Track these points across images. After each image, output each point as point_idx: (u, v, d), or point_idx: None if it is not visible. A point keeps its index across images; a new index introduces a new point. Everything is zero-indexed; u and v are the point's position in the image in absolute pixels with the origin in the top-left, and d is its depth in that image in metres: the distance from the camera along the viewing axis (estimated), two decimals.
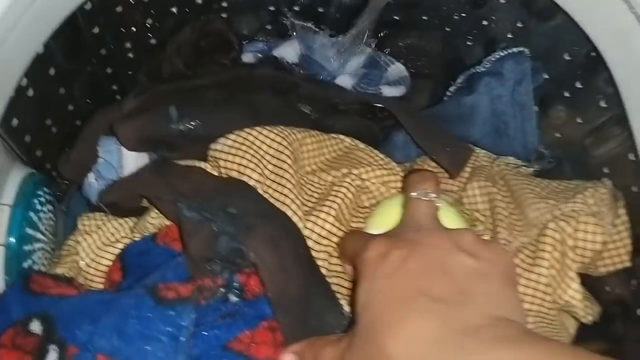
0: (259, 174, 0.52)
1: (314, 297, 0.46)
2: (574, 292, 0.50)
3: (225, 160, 0.53)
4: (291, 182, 0.52)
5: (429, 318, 0.32)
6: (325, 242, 0.50)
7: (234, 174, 0.52)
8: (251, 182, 0.52)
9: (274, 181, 0.52)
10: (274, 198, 0.52)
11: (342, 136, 0.59)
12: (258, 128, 0.54)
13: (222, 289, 0.42)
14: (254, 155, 0.52)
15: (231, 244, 0.45)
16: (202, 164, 0.54)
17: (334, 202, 0.52)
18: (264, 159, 0.52)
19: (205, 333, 0.41)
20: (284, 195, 0.52)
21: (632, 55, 0.46)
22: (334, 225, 0.51)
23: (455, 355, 0.30)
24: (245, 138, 0.53)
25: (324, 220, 0.51)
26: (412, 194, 0.43)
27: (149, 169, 0.56)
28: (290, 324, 0.42)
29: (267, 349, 0.41)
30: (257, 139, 0.53)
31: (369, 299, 0.36)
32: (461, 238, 0.37)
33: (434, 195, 0.42)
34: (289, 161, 0.53)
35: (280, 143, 0.53)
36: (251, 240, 0.45)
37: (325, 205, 0.51)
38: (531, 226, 0.54)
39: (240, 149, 0.53)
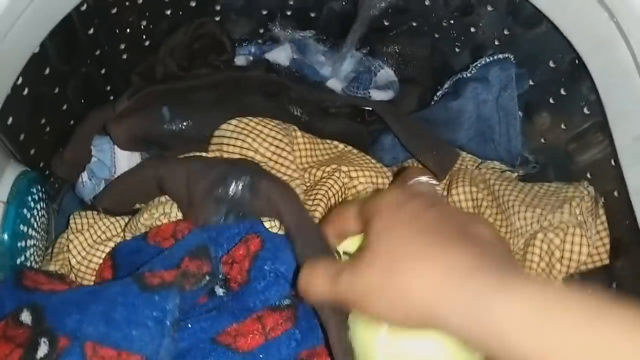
0: (261, 155, 0.54)
1: None
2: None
3: (228, 145, 0.54)
4: (291, 168, 0.55)
5: (462, 250, 0.32)
6: None
7: (237, 157, 0.54)
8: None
9: (276, 162, 0.55)
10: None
11: (335, 142, 0.60)
12: (257, 118, 0.56)
13: (207, 277, 0.43)
14: (254, 139, 0.54)
15: (243, 178, 0.47)
16: (203, 154, 0.56)
17: (319, 191, 0.54)
18: (265, 141, 0.54)
19: (190, 326, 0.41)
20: (287, 176, 0.54)
21: (612, 62, 0.47)
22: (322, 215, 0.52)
23: (493, 286, 0.30)
24: (246, 124, 0.55)
25: (313, 211, 0.52)
26: (414, 179, 0.43)
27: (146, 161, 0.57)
28: (308, 253, 0.43)
29: (255, 339, 0.42)
30: (258, 124, 0.55)
31: (387, 230, 0.35)
32: (476, 215, 0.37)
33: (433, 180, 0.43)
34: (287, 148, 0.55)
35: (278, 132, 0.55)
36: (263, 178, 0.48)
37: (312, 195, 0.53)
38: (517, 234, 0.55)
39: (241, 133, 0.55)
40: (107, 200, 0.58)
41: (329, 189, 0.55)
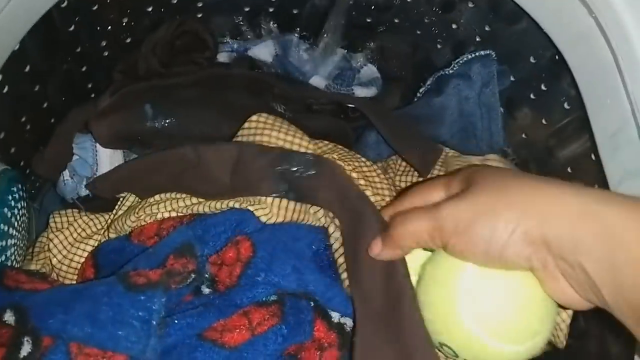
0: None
1: None
2: (566, 316, 0.51)
3: (263, 135, 0.52)
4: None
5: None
6: None
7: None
8: None
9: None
10: None
11: (325, 141, 0.60)
12: (273, 116, 0.54)
13: (192, 275, 0.43)
14: (287, 129, 0.52)
15: (306, 156, 0.48)
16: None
17: None
18: (288, 136, 0.52)
19: (177, 322, 0.41)
20: None
21: (591, 57, 0.48)
22: None
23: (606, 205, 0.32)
24: (267, 117, 0.53)
25: None
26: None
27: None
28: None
29: (242, 334, 0.42)
30: (275, 120, 0.53)
31: (493, 174, 0.37)
32: None
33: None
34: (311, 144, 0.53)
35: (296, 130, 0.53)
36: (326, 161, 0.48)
37: None
38: None
39: (274, 124, 0.52)
40: (107, 185, 0.56)
41: None
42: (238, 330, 0.42)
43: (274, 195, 0.48)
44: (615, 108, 0.47)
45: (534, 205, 0.33)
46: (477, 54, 0.60)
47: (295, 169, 0.48)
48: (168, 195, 0.54)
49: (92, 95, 0.68)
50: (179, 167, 0.52)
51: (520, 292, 0.37)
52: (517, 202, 0.34)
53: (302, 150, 0.51)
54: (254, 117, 0.53)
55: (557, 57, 0.54)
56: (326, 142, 0.60)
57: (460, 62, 0.61)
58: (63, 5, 0.54)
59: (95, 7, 0.59)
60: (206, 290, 0.46)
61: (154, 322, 0.39)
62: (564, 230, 0.31)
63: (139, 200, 0.56)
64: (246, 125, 0.53)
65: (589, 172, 0.54)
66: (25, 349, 0.40)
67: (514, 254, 0.33)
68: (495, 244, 0.34)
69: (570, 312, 0.51)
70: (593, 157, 0.53)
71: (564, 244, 0.31)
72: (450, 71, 0.62)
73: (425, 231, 0.37)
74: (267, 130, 0.52)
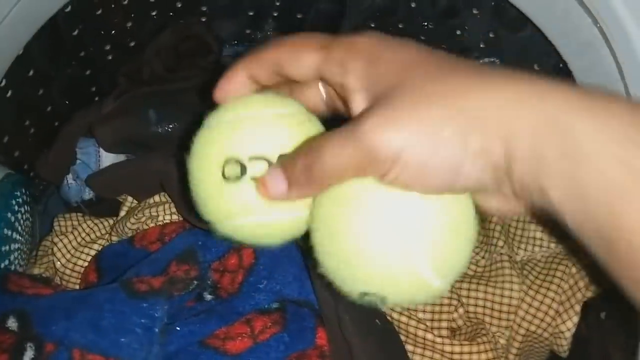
0: None
1: None
2: (572, 325, 0.51)
3: None
4: None
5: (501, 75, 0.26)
6: None
7: None
8: None
9: None
10: None
11: None
12: None
13: (195, 282, 0.43)
14: None
15: None
16: None
17: None
18: None
19: (179, 329, 0.41)
20: None
21: (595, 67, 0.48)
22: None
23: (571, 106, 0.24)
24: None
25: None
26: None
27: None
28: None
29: (244, 342, 0.42)
30: None
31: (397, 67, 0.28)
32: None
33: None
34: None
35: None
36: None
37: None
38: (532, 244, 0.56)
39: None
40: (101, 181, 0.58)
41: None
42: (240, 338, 0.42)
43: None
44: None
45: (493, 113, 0.25)
46: (480, 62, 0.60)
47: None
48: (166, 197, 0.55)
49: (96, 99, 0.69)
50: (156, 176, 0.53)
51: (458, 217, 0.29)
52: (469, 109, 0.25)
53: None
54: None
55: (561, 65, 0.54)
56: None
57: None
58: (67, 9, 0.55)
59: (99, 12, 0.59)
60: (208, 297, 0.46)
61: (157, 330, 0.39)
62: (526, 148, 0.25)
63: (138, 202, 0.57)
64: None
65: None
66: (28, 354, 0.40)
67: (473, 180, 0.26)
68: (452, 172, 0.26)
69: (575, 320, 0.51)
70: None
71: (526, 166, 0.25)
72: None
73: (351, 166, 0.27)
74: None
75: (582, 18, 0.47)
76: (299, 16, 0.72)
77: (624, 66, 0.45)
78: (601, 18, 0.46)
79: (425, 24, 0.66)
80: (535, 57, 0.58)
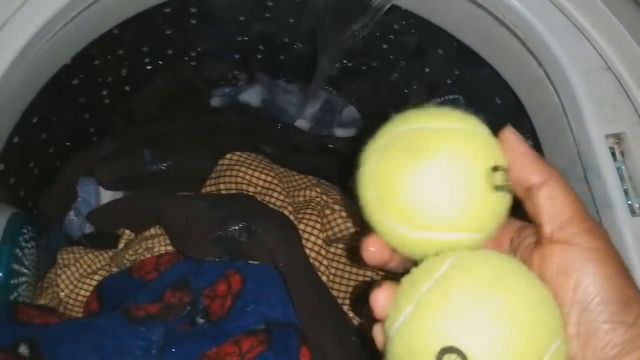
0: (254, 186, 0.60)
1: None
2: None
3: (224, 176, 0.60)
4: (282, 194, 0.60)
5: None
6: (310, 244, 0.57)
7: (233, 187, 0.60)
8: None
9: (268, 188, 0.60)
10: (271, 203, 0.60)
11: (309, 176, 0.66)
12: (246, 153, 0.62)
13: (188, 307, 0.47)
14: (245, 172, 0.60)
15: (240, 223, 0.51)
16: (202, 192, 0.62)
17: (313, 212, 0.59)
18: (256, 172, 0.60)
19: (174, 350, 0.46)
20: (280, 201, 0.59)
21: (543, 103, 0.53)
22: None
23: None
24: (239, 157, 0.62)
25: (312, 227, 0.58)
26: None
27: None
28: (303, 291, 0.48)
29: None
30: (248, 158, 0.62)
31: None
32: None
33: None
34: (276, 179, 0.60)
35: (266, 164, 0.62)
36: (260, 220, 0.52)
37: (306, 214, 0.59)
38: None
39: (235, 166, 0.61)
40: (101, 216, 0.62)
41: (317, 204, 0.60)
42: (230, 357, 0.46)
43: (210, 258, 0.53)
44: (565, 149, 0.51)
45: None
46: (445, 97, 0.65)
47: (229, 236, 0.52)
48: (161, 230, 0.59)
49: (94, 139, 0.72)
50: (149, 214, 0.58)
51: None
52: None
53: (252, 188, 0.60)
54: (227, 156, 0.62)
55: (518, 99, 0.58)
56: (310, 177, 0.65)
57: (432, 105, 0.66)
58: (67, 62, 0.59)
59: (96, 62, 0.64)
60: (200, 321, 0.50)
61: (154, 351, 0.44)
62: None
63: (135, 235, 0.61)
64: (219, 162, 0.61)
65: None
66: None
67: None
68: None
69: None
70: None
71: None
72: None
73: None
74: (237, 166, 0.61)
75: (528, 59, 0.52)
76: (281, 57, 0.77)
77: (566, 104, 0.49)
78: (543, 59, 0.50)
79: (396, 62, 0.71)
80: (496, 92, 0.63)
